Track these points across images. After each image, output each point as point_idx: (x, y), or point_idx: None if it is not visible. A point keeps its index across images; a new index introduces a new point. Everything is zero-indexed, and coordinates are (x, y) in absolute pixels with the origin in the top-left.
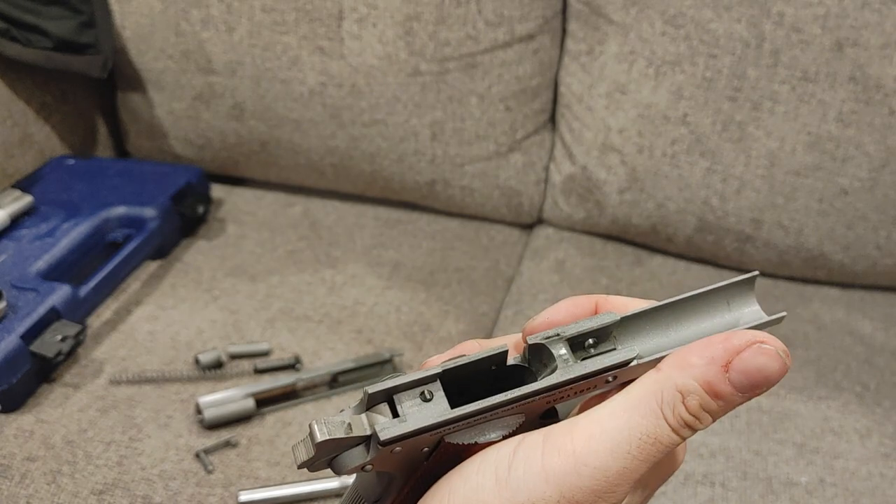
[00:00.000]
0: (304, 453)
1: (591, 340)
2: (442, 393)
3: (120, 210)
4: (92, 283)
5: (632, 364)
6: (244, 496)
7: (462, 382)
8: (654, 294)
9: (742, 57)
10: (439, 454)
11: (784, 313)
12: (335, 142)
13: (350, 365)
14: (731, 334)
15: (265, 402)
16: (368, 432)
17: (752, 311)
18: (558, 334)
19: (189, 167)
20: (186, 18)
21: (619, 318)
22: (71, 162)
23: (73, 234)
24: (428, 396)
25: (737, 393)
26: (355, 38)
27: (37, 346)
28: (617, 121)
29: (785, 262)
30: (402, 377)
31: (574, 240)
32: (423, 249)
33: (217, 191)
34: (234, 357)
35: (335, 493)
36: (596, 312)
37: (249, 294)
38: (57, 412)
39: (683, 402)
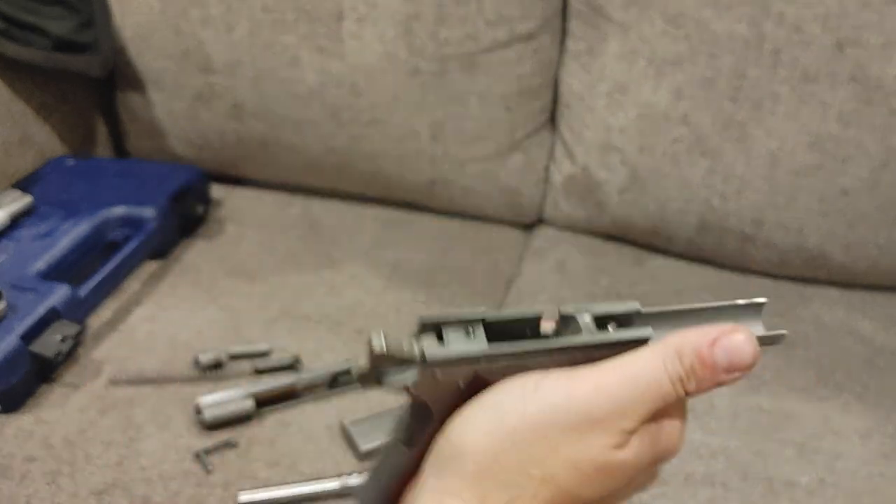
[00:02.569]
0: (362, 365)
1: (613, 324)
2: (483, 332)
3: (119, 210)
4: (92, 284)
5: (649, 341)
6: (244, 496)
7: (501, 337)
8: (654, 294)
9: (743, 57)
10: (470, 391)
11: (785, 331)
12: (335, 142)
13: (350, 365)
14: (723, 325)
15: (265, 402)
16: (418, 355)
17: (755, 328)
18: (587, 309)
19: (189, 167)
20: (186, 18)
21: (639, 307)
22: (70, 162)
23: (72, 234)
24: (471, 333)
25: (718, 365)
26: (355, 38)
27: (36, 347)
28: (617, 120)
29: (785, 262)
30: (451, 314)
31: (574, 240)
32: (423, 249)
33: (217, 191)
34: (234, 357)
35: (335, 494)
36: None
37: (249, 294)
38: (56, 412)
39: (679, 360)
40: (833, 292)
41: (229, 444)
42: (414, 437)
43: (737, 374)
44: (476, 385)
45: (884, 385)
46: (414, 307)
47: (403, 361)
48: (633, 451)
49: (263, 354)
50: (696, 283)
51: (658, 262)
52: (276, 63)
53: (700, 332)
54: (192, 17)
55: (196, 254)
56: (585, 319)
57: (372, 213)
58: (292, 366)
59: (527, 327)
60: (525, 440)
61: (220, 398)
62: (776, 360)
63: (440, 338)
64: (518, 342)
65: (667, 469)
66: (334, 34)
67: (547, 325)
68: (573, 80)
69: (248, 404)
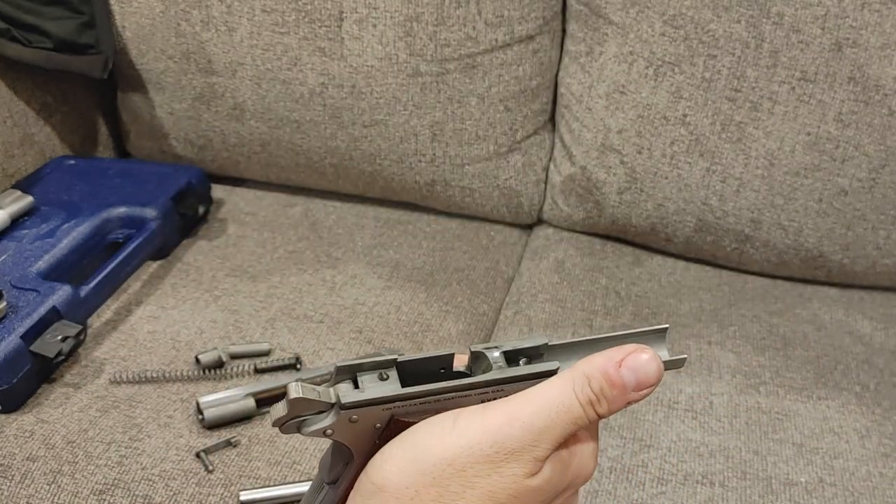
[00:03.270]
0: (280, 410)
1: (524, 359)
2: (396, 375)
3: (120, 210)
4: (93, 283)
5: (557, 372)
6: (245, 496)
7: (416, 378)
8: (652, 294)
9: (741, 57)
10: (389, 432)
11: (685, 356)
12: (335, 142)
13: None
14: (627, 345)
15: (265, 401)
16: (334, 400)
17: (660, 353)
18: (497, 346)
19: (190, 167)
20: (187, 19)
21: (547, 341)
22: (71, 162)
23: (73, 234)
24: (385, 377)
25: (626, 384)
26: (355, 39)
27: (37, 346)
28: (616, 121)
29: (784, 263)
30: (365, 359)
31: (574, 240)
32: (423, 249)
33: (217, 191)
34: (235, 357)
35: None
36: None
37: (250, 294)
38: (57, 412)
39: (589, 385)
40: (832, 292)
41: (230, 444)
42: (338, 477)
43: (645, 392)
44: (396, 426)
45: (883, 385)
46: (414, 307)
47: (321, 407)
48: (544, 478)
49: (264, 354)
50: (695, 283)
51: (656, 262)
52: (277, 64)
53: (606, 355)
54: (194, 18)
55: (197, 254)
56: (495, 355)
57: (372, 213)
58: (293, 365)
59: (440, 367)
60: (444, 475)
61: (221, 397)
62: (775, 359)
63: (356, 384)
64: (429, 384)
65: (666, 468)
66: (334, 35)
67: (459, 364)
68: (572, 81)
69: (249, 404)
